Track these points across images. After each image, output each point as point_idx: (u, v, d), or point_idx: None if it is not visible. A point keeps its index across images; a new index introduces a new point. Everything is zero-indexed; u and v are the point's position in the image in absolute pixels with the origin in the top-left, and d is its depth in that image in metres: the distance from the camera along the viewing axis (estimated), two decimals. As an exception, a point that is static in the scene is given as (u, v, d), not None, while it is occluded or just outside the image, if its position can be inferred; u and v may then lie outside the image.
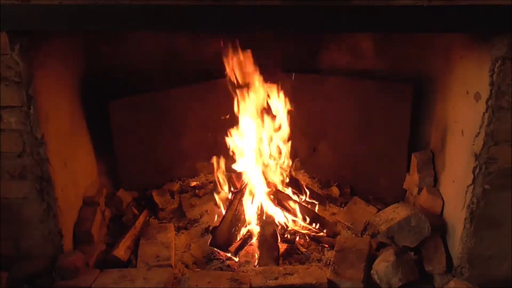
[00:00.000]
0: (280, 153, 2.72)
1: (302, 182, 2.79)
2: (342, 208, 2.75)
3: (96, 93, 2.60)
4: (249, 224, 2.52)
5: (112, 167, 2.75)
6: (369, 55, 2.64)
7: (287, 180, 2.70)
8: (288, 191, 2.67)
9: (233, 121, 2.68)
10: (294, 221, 2.56)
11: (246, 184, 2.61)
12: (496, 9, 1.77)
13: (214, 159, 2.71)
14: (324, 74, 2.78)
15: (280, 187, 2.65)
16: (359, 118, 2.74)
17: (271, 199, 2.56)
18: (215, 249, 2.41)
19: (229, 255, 2.37)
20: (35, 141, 2.05)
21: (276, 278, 2.14)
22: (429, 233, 2.19)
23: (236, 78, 2.59)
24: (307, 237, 2.51)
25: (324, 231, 2.52)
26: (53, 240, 2.19)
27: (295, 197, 2.66)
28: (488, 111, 1.94)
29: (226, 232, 2.42)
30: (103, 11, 1.81)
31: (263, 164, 2.65)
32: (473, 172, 2.03)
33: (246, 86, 2.61)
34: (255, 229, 2.49)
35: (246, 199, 2.56)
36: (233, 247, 2.38)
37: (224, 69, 2.57)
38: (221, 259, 2.39)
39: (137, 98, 2.69)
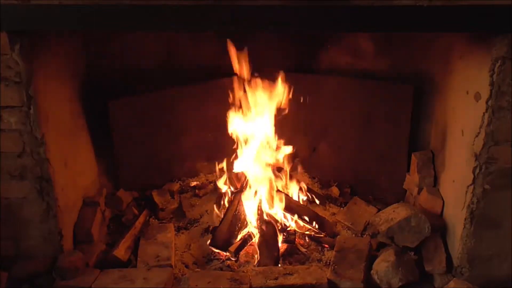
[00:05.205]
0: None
1: (302, 182, 2.79)
2: (342, 208, 2.75)
3: (96, 93, 2.60)
4: (249, 224, 2.52)
5: (112, 167, 2.75)
6: (369, 55, 2.64)
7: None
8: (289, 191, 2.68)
9: (232, 121, 2.68)
10: (294, 221, 2.56)
11: (246, 184, 2.61)
12: (496, 9, 1.77)
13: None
14: (324, 74, 2.78)
15: (280, 187, 2.65)
16: (359, 118, 2.74)
17: (271, 199, 2.56)
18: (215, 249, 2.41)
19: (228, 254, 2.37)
20: (35, 141, 2.05)
21: (276, 278, 2.14)
22: (429, 233, 2.19)
23: (237, 77, 2.60)
24: (307, 237, 2.51)
25: (324, 231, 2.52)
26: (53, 240, 2.19)
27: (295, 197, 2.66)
28: (488, 111, 1.94)
29: (226, 232, 2.42)
30: (103, 11, 1.81)
31: (263, 163, 2.66)
32: (473, 172, 2.03)
33: (247, 85, 2.62)
34: (255, 229, 2.49)
35: (246, 199, 2.56)
36: (233, 247, 2.38)
37: (225, 69, 2.57)
38: (221, 259, 2.39)
39: (137, 98, 2.68)
